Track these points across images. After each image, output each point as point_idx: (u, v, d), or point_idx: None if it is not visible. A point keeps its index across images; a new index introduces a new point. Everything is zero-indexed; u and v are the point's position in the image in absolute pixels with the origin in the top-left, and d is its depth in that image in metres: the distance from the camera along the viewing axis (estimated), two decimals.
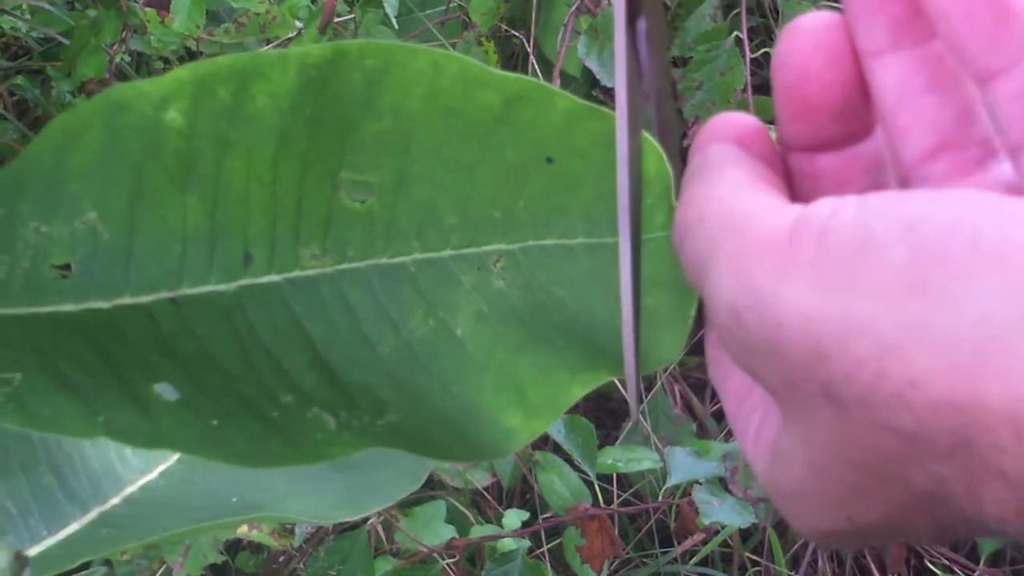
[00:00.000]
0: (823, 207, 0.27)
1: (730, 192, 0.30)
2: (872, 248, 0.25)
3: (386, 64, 0.33)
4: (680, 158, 0.36)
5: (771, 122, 0.34)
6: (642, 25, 0.33)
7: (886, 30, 0.30)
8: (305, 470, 0.43)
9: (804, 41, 0.31)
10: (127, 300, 0.33)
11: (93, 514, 0.42)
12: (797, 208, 0.27)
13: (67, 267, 0.33)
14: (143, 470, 0.44)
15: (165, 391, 0.34)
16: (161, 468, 0.44)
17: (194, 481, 0.44)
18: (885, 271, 0.25)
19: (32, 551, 0.41)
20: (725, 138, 0.33)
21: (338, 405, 0.34)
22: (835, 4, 1.54)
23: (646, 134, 0.34)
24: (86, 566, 0.40)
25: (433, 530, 1.22)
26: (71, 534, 0.41)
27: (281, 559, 1.29)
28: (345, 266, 0.34)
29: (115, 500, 0.43)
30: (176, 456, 0.44)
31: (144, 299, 0.33)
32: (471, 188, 0.34)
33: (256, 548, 1.33)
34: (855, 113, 0.32)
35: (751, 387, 0.33)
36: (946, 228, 0.24)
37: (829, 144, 0.33)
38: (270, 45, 1.32)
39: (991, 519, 0.25)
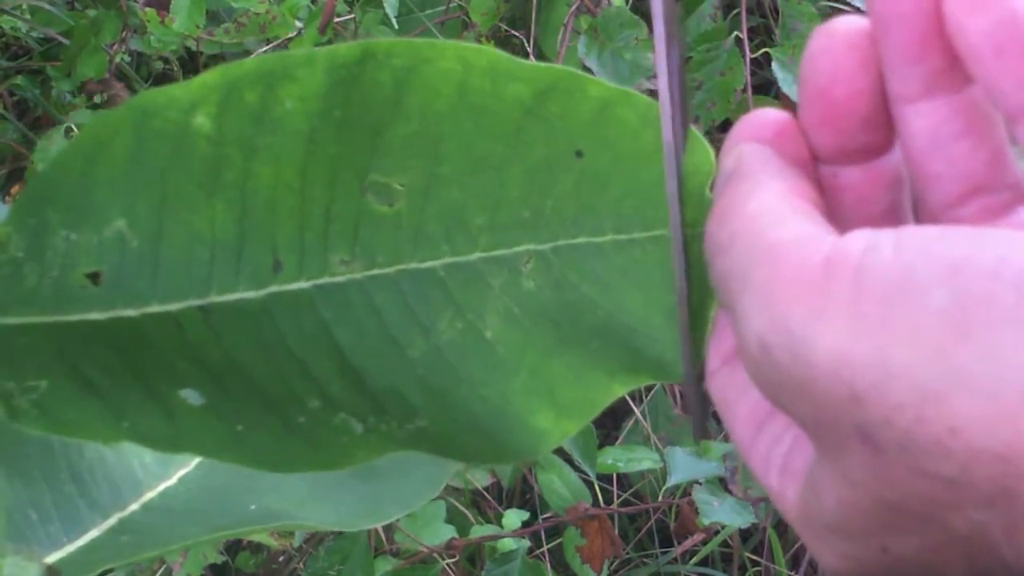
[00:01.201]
0: (858, 241, 0.26)
1: (763, 210, 0.29)
2: (911, 291, 0.25)
3: (414, 63, 0.32)
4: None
5: None
6: (674, 54, 0.33)
7: (923, 79, 0.30)
8: (325, 478, 0.42)
9: (837, 43, 0.30)
10: (155, 308, 0.33)
11: (113, 520, 0.42)
12: (831, 239, 0.27)
13: (96, 275, 0.33)
14: (162, 476, 0.44)
15: (190, 396, 0.34)
16: (180, 474, 0.44)
17: (213, 487, 0.43)
18: (925, 315, 0.24)
19: (51, 558, 0.41)
20: (759, 137, 0.32)
21: (366, 410, 0.34)
22: (835, 4, 1.54)
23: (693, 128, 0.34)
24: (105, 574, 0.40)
25: (433, 530, 1.22)
26: (91, 541, 0.41)
27: (281, 559, 1.29)
28: (375, 272, 0.34)
29: (134, 506, 0.42)
30: (195, 462, 0.44)
31: (172, 307, 0.33)
32: (500, 189, 0.33)
33: (256, 548, 1.33)
34: (881, 124, 0.31)
35: (771, 413, 0.32)
36: (990, 271, 0.24)
37: (853, 156, 0.32)
38: (270, 45, 1.32)
39: None
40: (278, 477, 0.43)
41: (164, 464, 0.44)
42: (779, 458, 0.32)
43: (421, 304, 0.34)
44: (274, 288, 0.33)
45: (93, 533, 0.42)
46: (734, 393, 0.34)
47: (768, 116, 0.32)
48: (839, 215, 0.33)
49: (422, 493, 0.42)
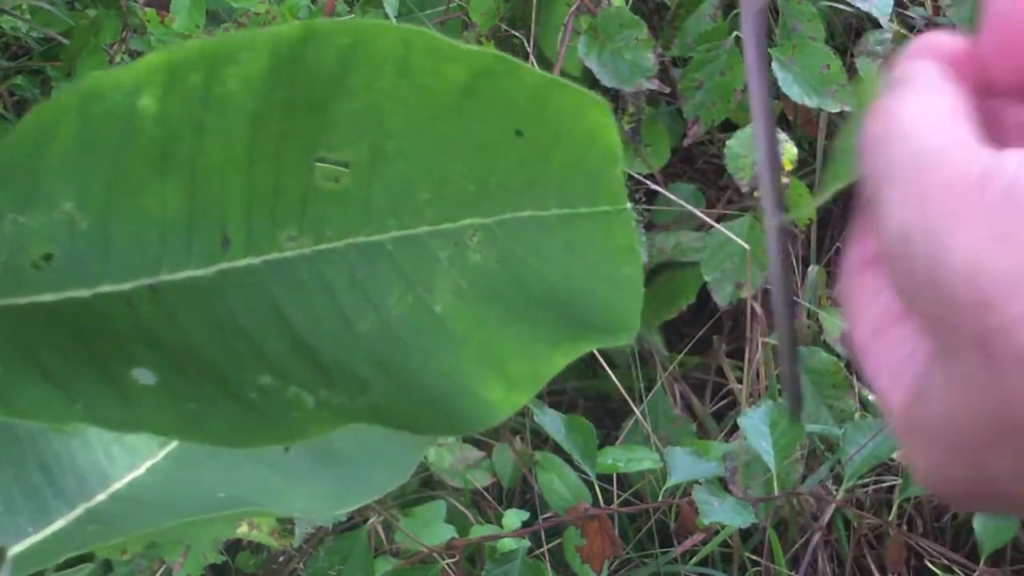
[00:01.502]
0: (1013, 159, 0.27)
1: (919, 119, 0.30)
2: None
3: (355, 42, 0.32)
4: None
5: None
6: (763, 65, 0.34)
7: None
8: (294, 466, 0.42)
9: None
10: (106, 288, 0.33)
11: (79, 510, 0.42)
12: (986, 153, 0.28)
13: (46, 258, 0.33)
14: (130, 466, 0.43)
15: (143, 376, 0.34)
16: (148, 464, 0.44)
17: (181, 477, 0.43)
18: None
19: (16, 548, 0.40)
20: (935, 57, 0.32)
21: (317, 384, 0.35)
22: (835, 3, 1.54)
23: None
24: (72, 564, 0.40)
25: (433, 530, 1.22)
26: (56, 531, 0.41)
27: (281, 559, 1.29)
28: (323, 246, 0.34)
29: (101, 496, 0.42)
30: (163, 452, 0.44)
31: (123, 287, 0.33)
32: (444, 164, 0.34)
33: (256, 548, 1.33)
34: None
35: (895, 322, 0.33)
36: None
37: None
38: None
39: None
40: (247, 467, 0.43)
41: (132, 454, 0.44)
42: (894, 364, 0.32)
43: (370, 278, 0.34)
44: (223, 265, 0.33)
45: (59, 523, 0.42)
46: (865, 296, 0.35)
47: (946, 40, 0.33)
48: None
49: (391, 478, 0.42)
